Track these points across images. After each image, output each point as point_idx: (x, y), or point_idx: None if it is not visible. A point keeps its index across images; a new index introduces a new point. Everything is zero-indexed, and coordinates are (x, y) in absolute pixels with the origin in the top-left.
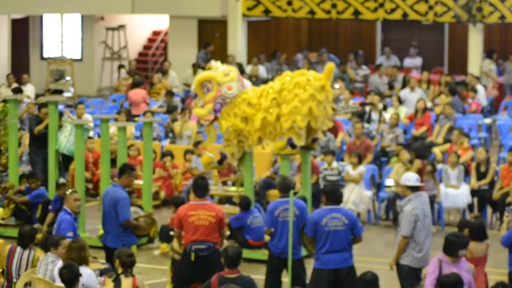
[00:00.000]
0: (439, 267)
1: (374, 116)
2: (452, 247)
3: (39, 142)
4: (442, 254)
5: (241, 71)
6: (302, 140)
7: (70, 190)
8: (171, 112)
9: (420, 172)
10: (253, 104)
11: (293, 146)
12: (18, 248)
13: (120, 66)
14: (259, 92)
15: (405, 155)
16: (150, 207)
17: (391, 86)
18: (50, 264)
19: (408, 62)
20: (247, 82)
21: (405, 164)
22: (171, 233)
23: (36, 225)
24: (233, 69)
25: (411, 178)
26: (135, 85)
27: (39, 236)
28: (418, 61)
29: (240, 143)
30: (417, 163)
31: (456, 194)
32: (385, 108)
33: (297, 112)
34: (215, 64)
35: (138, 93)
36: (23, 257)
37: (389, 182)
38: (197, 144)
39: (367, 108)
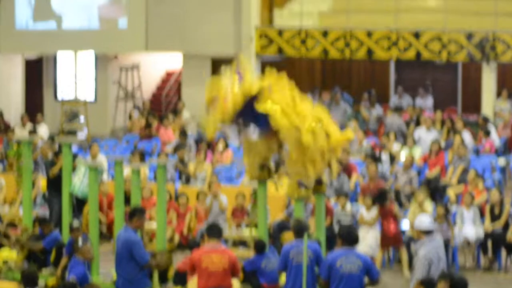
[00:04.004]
0: None
1: (384, 156)
2: None
3: (55, 184)
4: None
5: None
6: (311, 182)
7: (80, 241)
8: (177, 150)
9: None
10: (247, 92)
11: (306, 187)
12: None
13: (135, 107)
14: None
15: (421, 196)
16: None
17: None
18: None
19: (418, 102)
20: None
21: (420, 206)
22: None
23: (50, 269)
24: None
25: (424, 221)
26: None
27: (53, 279)
28: (429, 101)
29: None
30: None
31: (469, 231)
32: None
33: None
34: (223, 68)
35: None
36: None
37: (405, 224)
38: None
39: (377, 152)
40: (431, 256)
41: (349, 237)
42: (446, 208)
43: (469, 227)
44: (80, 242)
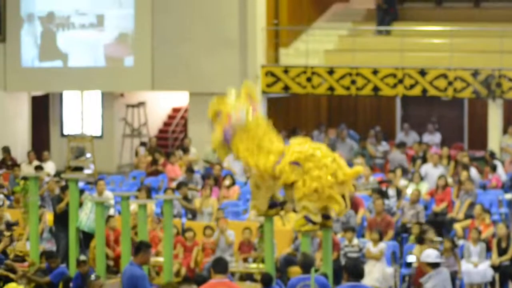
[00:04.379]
0: None
1: (391, 192)
2: None
3: (62, 220)
4: None
5: None
6: (318, 217)
7: (93, 276)
8: (179, 188)
9: None
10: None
11: (313, 222)
12: None
13: (142, 144)
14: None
15: (432, 233)
16: None
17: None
18: None
19: (427, 138)
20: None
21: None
22: None
23: None
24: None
25: (431, 254)
26: None
27: None
28: (437, 137)
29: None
30: None
31: (478, 270)
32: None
33: (315, 194)
34: (229, 91)
35: None
36: None
37: (411, 258)
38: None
39: (384, 188)
40: None
41: (355, 271)
42: (452, 241)
43: (478, 273)
44: (93, 277)
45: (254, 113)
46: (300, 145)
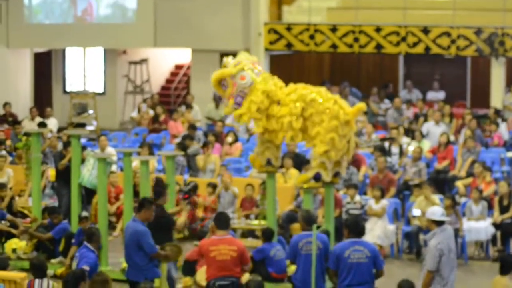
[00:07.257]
0: None
1: (394, 149)
2: None
3: (64, 176)
4: None
5: None
6: (330, 176)
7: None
8: (184, 140)
9: None
10: (271, 97)
11: (317, 179)
12: (37, 281)
13: (144, 100)
14: (286, 89)
15: (428, 189)
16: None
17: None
18: None
19: (431, 95)
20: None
21: (427, 199)
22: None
23: (59, 259)
24: (243, 58)
25: (436, 212)
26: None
27: (62, 269)
28: (441, 94)
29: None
30: None
31: (479, 227)
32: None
33: (319, 138)
34: (226, 59)
35: None
36: (43, 287)
37: (416, 212)
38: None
39: (386, 144)
40: (442, 247)
41: (356, 227)
42: (453, 199)
43: (479, 231)
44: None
45: (257, 70)
46: (296, 92)
